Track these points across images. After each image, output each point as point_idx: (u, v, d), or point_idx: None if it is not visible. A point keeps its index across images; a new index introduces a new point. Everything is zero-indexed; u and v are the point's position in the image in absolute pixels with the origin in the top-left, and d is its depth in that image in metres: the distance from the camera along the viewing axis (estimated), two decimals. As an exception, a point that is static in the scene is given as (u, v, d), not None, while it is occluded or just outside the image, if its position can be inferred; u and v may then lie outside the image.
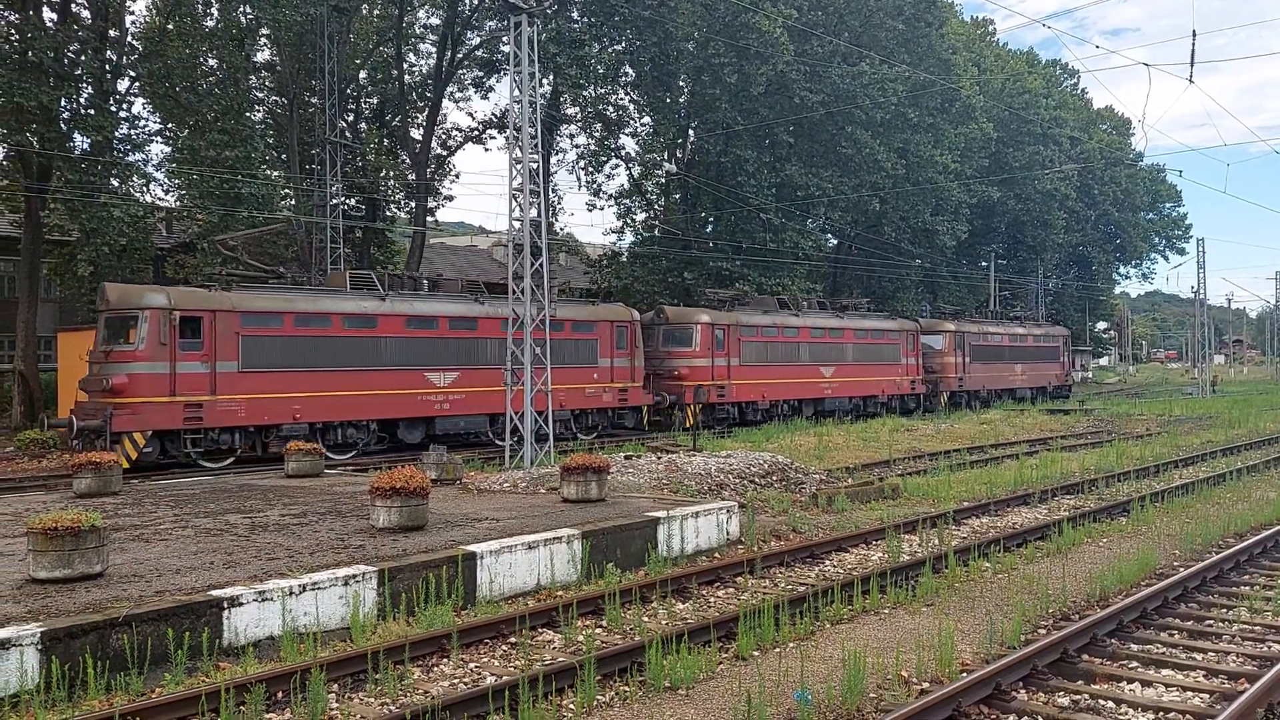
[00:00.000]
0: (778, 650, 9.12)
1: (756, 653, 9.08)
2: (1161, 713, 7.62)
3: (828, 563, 13.15)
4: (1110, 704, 7.84)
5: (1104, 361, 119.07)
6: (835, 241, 57.14)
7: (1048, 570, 12.22)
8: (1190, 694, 8.05)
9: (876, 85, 44.39)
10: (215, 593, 9.09)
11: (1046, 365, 53.56)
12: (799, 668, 8.39)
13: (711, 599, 11.24)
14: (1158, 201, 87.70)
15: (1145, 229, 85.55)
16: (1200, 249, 62.22)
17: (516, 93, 19.63)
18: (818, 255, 50.16)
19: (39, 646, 7.82)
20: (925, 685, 8.22)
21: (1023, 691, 8.17)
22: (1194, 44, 25.60)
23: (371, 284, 26.45)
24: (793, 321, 37.26)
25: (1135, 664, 8.85)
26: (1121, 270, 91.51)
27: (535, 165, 19.88)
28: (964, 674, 8.28)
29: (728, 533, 14.05)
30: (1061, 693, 8.13)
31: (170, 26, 36.64)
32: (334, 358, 24.68)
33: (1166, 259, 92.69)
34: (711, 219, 48.55)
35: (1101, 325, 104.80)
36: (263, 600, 9.19)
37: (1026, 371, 51.35)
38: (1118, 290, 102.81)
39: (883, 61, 44.56)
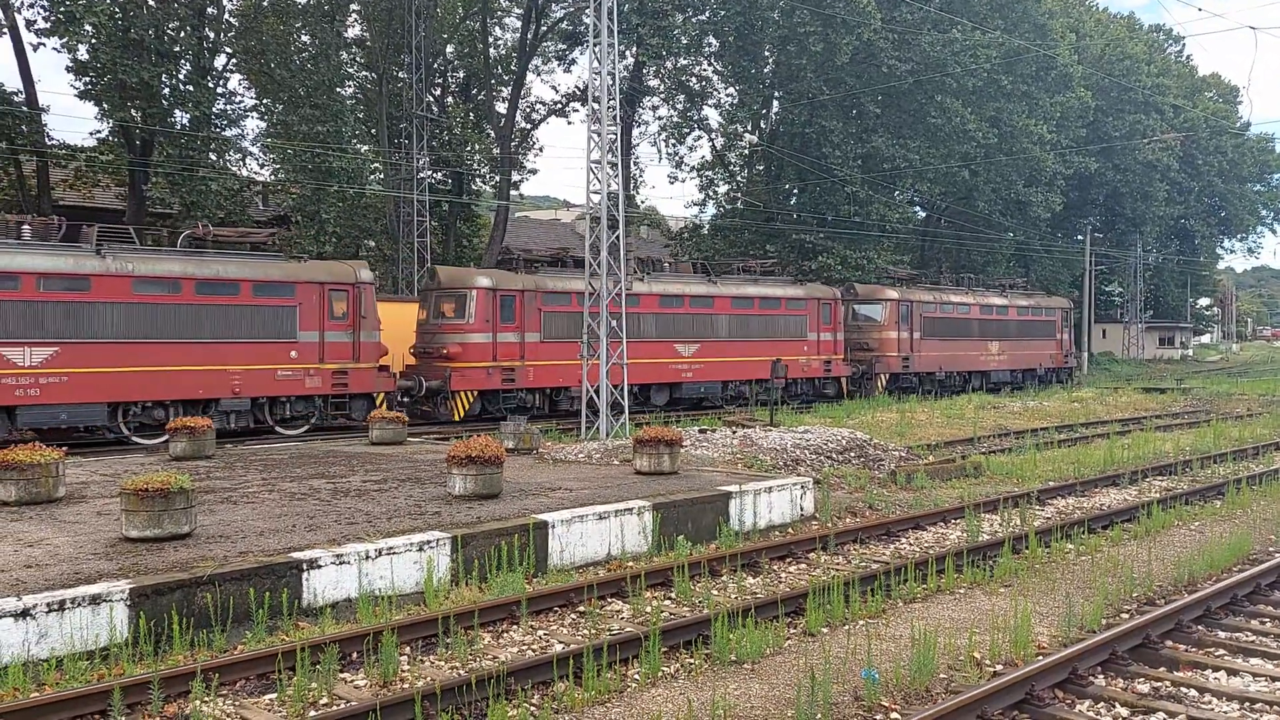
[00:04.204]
0: (847, 627, 9.04)
1: (825, 629, 9.01)
2: (1248, 703, 7.34)
3: (904, 540, 12.96)
4: (1193, 692, 7.59)
5: (1205, 339, 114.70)
6: (923, 214, 55.95)
7: (1134, 553, 11.86)
8: None
9: (968, 52, 43.13)
10: (295, 555, 9.36)
11: (1036, 343, 44.86)
12: (869, 646, 8.30)
13: (783, 574, 11.18)
14: (1265, 172, 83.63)
15: (1252, 201, 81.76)
16: (1312, 222, 59.29)
17: (596, 64, 19.59)
18: (905, 228, 49.07)
19: (128, 602, 8.15)
20: (998, 667, 8.06)
21: (1101, 677, 7.95)
22: (1309, 5, 24.22)
23: None
24: (633, 287, 29.32)
25: (1222, 652, 8.54)
26: (1226, 244, 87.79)
27: (613, 137, 19.84)
28: (1039, 657, 8.09)
29: (801, 508, 13.95)
30: (1142, 679, 7.88)
31: (265, 3, 37.52)
32: None
33: (1274, 232, 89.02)
34: (795, 191, 47.93)
35: (1204, 301, 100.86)
36: (340, 563, 9.42)
37: (1007, 350, 42.60)
38: (1221, 265, 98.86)
39: (975, 28, 43.26)
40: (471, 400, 26.10)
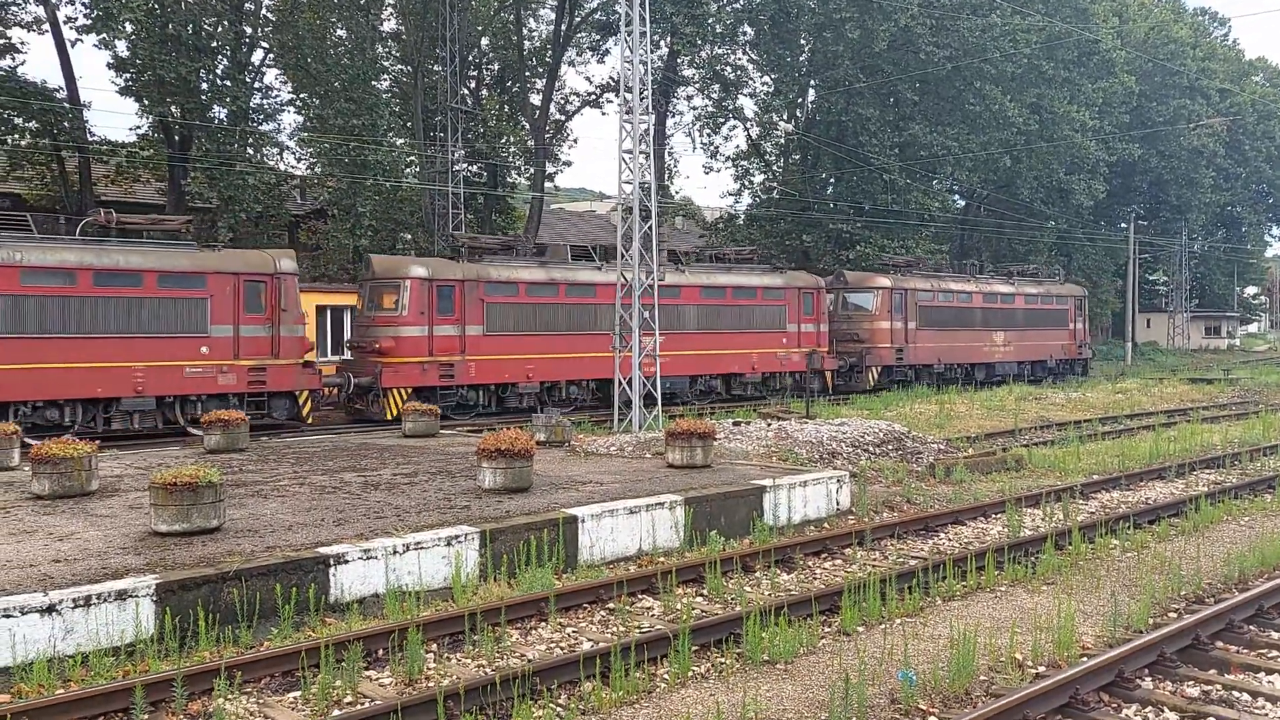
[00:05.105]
0: (884, 626, 8.79)
1: (861, 628, 8.77)
2: (1304, 708, 7.03)
3: (942, 536, 12.67)
4: (1245, 696, 7.28)
5: (1253, 328, 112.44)
6: (963, 203, 55.18)
7: (1182, 549, 11.49)
8: (1337, 689, 7.41)
9: (1008, 37, 42.40)
10: (322, 550, 9.27)
11: (1047, 333, 42.09)
12: (906, 646, 8.06)
13: (818, 570, 10.95)
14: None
15: (1302, 187, 79.93)
16: (1365, 208, 57.75)
17: (628, 53, 19.38)
18: (945, 217, 48.36)
19: (154, 598, 8.09)
20: (1041, 669, 7.79)
21: (1148, 679, 7.66)
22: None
23: None
24: (583, 276, 27.82)
25: (1276, 654, 8.21)
26: (1274, 231, 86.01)
27: (646, 127, 19.63)
28: (1084, 658, 7.82)
29: (837, 503, 13.69)
30: (1191, 682, 7.58)
31: (302, -2, 37.68)
32: None
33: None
34: (832, 180, 47.44)
35: (1251, 290, 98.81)
36: (367, 558, 9.33)
37: (1013, 341, 40.07)
38: (1269, 253, 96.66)
39: (1014, 12, 42.52)
40: (406, 398, 24.22)
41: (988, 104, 43.31)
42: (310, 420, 23.03)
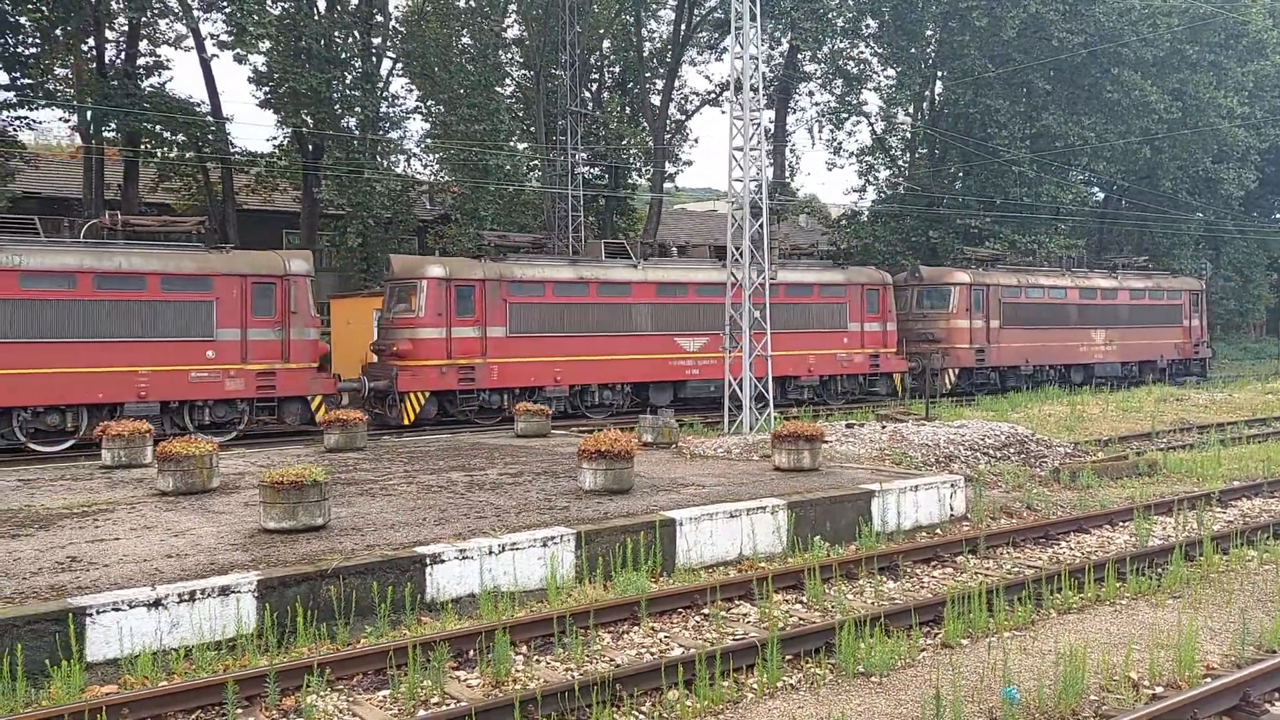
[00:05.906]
0: (989, 640, 8.37)
1: (965, 641, 8.39)
2: None
3: (1063, 544, 12.04)
4: (1392, 728, 6.64)
5: None
6: (1101, 195, 52.69)
7: (1329, 564, 10.64)
8: None
9: (1147, 21, 40.28)
10: (419, 549, 9.38)
11: (1156, 331, 38.67)
12: (1007, 660, 7.64)
13: (925, 579, 10.53)
14: None
15: None
16: None
17: (738, 49, 19.15)
18: (1081, 210, 46.26)
19: (255, 594, 8.33)
20: (1158, 689, 7.28)
21: (1278, 704, 7.08)
22: None
23: None
24: (617, 275, 26.76)
25: None
26: None
27: (759, 123, 19.35)
28: (1206, 679, 7.28)
29: (951, 508, 13.18)
30: (1328, 710, 6.97)
31: (428, 8, 38.69)
32: None
33: None
34: (960, 174, 45.97)
35: None
36: (463, 559, 9.40)
37: (1115, 340, 36.89)
38: None
39: (1155, -7, 40.38)
40: (423, 402, 23.60)
41: (1126, 91, 41.21)
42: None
